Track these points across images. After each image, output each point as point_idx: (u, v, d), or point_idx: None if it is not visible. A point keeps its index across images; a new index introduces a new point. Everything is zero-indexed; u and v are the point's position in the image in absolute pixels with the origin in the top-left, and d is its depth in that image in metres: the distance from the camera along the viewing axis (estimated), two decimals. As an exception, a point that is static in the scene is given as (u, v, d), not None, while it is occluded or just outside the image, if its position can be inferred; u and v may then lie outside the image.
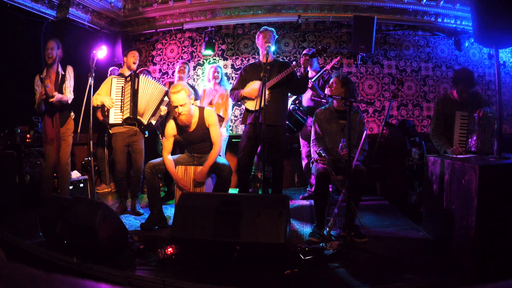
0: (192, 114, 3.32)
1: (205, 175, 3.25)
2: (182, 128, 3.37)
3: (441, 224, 2.83)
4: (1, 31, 4.25)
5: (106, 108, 3.80)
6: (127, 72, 3.96)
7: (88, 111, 3.56)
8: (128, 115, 3.79)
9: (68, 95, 3.79)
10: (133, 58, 3.96)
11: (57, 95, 3.66)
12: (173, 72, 5.97)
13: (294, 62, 3.59)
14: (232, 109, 4.90)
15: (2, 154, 3.83)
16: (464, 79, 3.18)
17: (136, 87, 3.82)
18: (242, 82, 3.76)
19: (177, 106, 3.21)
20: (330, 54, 5.55)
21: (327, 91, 3.35)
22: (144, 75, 3.95)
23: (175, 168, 3.33)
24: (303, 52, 4.56)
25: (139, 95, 3.81)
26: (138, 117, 3.82)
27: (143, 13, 5.76)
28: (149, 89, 3.86)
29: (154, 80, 3.95)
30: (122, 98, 3.82)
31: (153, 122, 3.90)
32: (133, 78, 3.84)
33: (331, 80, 3.36)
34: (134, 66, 3.97)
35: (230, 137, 4.99)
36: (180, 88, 3.22)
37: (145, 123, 3.84)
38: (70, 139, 3.90)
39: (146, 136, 4.03)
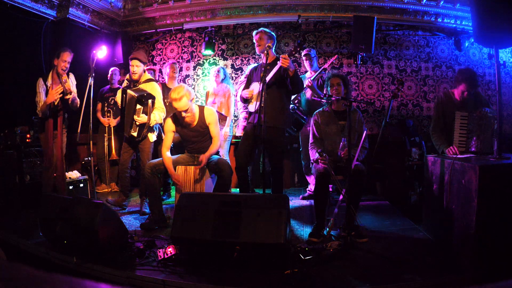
0: (194, 112, 3.37)
1: (206, 160, 3.23)
2: (180, 125, 3.40)
3: (441, 224, 2.83)
4: (1, 31, 4.25)
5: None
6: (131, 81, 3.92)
7: (88, 111, 3.56)
8: (126, 135, 3.77)
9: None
10: (132, 68, 3.81)
11: (74, 92, 3.63)
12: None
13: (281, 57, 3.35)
14: (234, 108, 4.91)
15: (2, 154, 3.84)
16: (467, 79, 3.12)
17: (124, 104, 3.73)
18: (248, 85, 3.78)
19: (181, 112, 3.25)
20: (330, 54, 5.55)
21: (325, 91, 3.35)
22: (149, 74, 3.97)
23: (175, 168, 3.34)
24: (303, 53, 4.56)
25: (126, 111, 3.72)
26: (131, 134, 3.69)
27: (143, 13, 5.76)
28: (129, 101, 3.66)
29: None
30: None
31: (135, 134, 3.63)
32: (122, 94, 3.77)
33: (334, 82, 3.32)
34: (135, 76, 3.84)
35: (232, 137, 4.99)
36: (182, 94, 3.18)
37: (138, 138, 3.70)
38: (64, 137, 3.92)
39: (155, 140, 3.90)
